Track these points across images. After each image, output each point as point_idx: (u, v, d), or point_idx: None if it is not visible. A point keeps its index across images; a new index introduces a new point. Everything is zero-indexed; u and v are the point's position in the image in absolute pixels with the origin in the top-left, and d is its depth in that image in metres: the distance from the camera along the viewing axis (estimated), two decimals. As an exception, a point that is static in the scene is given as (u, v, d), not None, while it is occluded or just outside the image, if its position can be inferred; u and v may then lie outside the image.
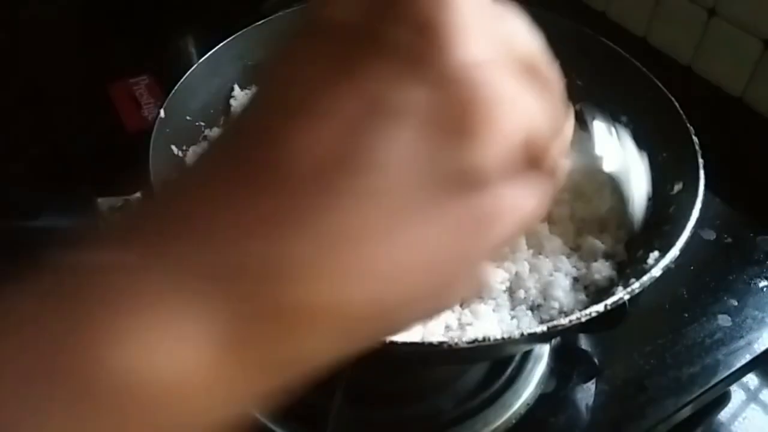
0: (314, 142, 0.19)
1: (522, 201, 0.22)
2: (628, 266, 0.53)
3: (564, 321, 0.41)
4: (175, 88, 0.57)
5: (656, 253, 0.48)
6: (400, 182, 0.19)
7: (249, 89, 0.69)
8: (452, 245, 0.21)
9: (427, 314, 0.24)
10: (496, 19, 0.22)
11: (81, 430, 0.18)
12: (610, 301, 0.42)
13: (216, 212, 0.19)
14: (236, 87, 0.68)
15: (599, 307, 0.42)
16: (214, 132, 0.64)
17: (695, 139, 0.53)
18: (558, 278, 0.54)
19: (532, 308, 0.53)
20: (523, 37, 0.23)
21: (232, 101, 0.67)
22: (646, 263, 0.48)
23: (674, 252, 0.45)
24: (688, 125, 0.54)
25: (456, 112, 0.20)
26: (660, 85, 0.58)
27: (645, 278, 0.43)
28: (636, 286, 0.43)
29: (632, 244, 0.56)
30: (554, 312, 0.52)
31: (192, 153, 0.61)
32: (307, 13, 0.22)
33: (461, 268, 0.22)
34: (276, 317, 0.19)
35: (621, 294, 0.42)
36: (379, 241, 0.20)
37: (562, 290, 0.53)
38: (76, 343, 0.18)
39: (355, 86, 0.20)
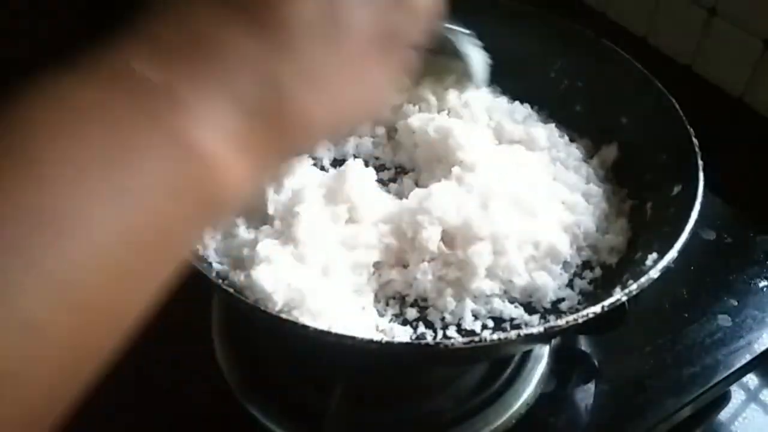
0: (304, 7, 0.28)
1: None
2: (627, 268, 0.53)
3: (561, 322, 0.41)
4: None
5: (655, 255, 0.48)
6: (359, 39, 0.30)
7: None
8: (377, 81, 0.33)
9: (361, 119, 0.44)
10: None
11: (142, 194, 0.24)
12: (607, 302, 0.42)
13: (226, 42, 0.27)
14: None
15: (596, 309, 0.41)
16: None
17: (695, 141, 0.53)
18: None
19: None
20: None
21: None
22: (644, 265, 0.47)
23: (672, 254, 0.45)
24: (688, 127, 0.54)
25: None
26: (660, 86, 0.58)
27: (642, 280, 0.43)
28: (633, 287, 0.43)
29: (632, 246, 0.56)
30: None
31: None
32: None
33: (380, 95, 0.34)
34: (284, 120, 0.28)
35: (618, 295, 0.42)
36: (341, 81, 0.30)
37: None
38: (151, 120, 0.25)
39: None
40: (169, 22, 0.27)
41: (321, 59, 0.29)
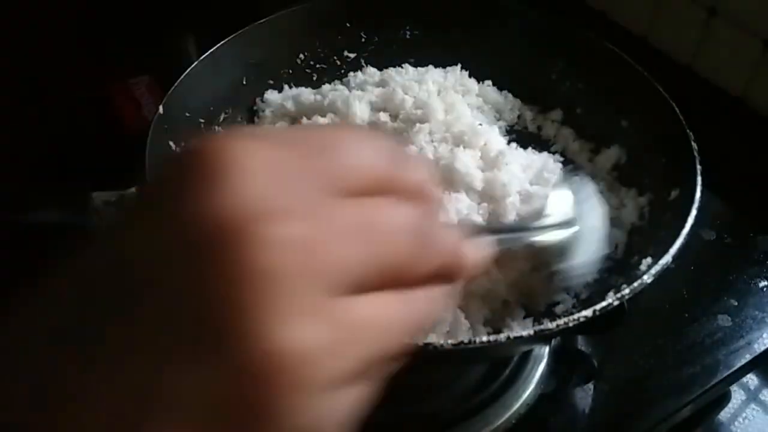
0: None
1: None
2: (622, 271, 0.53)
3: (551, 325, 0.41)
4: (175, 85, 0.57)
5: (649, 260, 0.48)
6: None
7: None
8: None
9: None
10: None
11: None
12: (599, 306, 0.42)
13: None
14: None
15: (587, 313, 0.41)
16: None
17: (694, 145, 0.53)
18: None
19: None
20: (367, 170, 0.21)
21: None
22: (638, 269, 0.47)
23: (666, 259, 0.45)
24: (688, 131, 0.54)
25: (243, 408, 0.18)
26: (661, 90, 0.58)
27: (636, 284, 0.43)
28: (626, 292, 0.43)
29: (628, 249, 0.56)
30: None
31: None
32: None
33: None
34: None
35: (611, 299, 0.42)
36: None
37: None
38: None
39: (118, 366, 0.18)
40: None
41: None
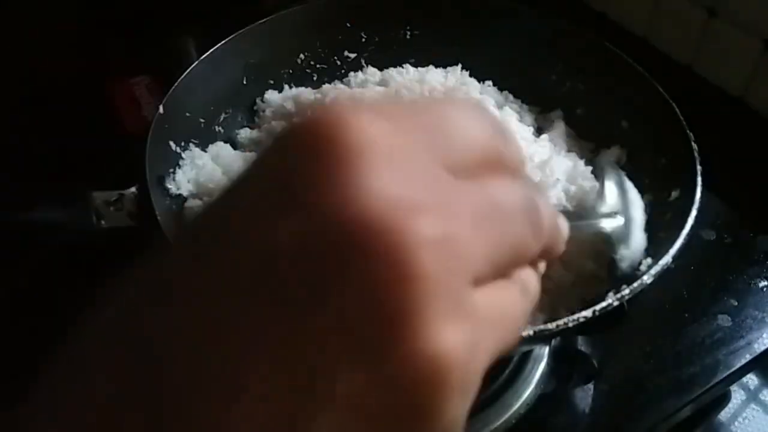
0: None
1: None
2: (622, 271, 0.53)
3: (551, 326, 0.41)
4: (176, 84, 0.58)
5: (649, 260, 0.48)
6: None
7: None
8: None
9: None
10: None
11: None
12: (599, 306, 0.42)
13: None
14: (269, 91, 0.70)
15: (587, 313, 0.42)
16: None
17: (694, 145, 0.53)
18: None
19: None
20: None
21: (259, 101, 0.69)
22: (638, 269, 0.47)
23: (666, 259, 0.45)
24: (688, 132, 0.54)
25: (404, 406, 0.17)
26: (662, 90, 0.58)
27: (635, 284, 0.44)
28: (626, 292, 0.43)
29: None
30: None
31: (192, 148, 0.61)
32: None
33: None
34: None
35: (611, 300, 0.42)
36: None
37: None
38: None
39: (281, 366, 0.17)
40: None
41: None
